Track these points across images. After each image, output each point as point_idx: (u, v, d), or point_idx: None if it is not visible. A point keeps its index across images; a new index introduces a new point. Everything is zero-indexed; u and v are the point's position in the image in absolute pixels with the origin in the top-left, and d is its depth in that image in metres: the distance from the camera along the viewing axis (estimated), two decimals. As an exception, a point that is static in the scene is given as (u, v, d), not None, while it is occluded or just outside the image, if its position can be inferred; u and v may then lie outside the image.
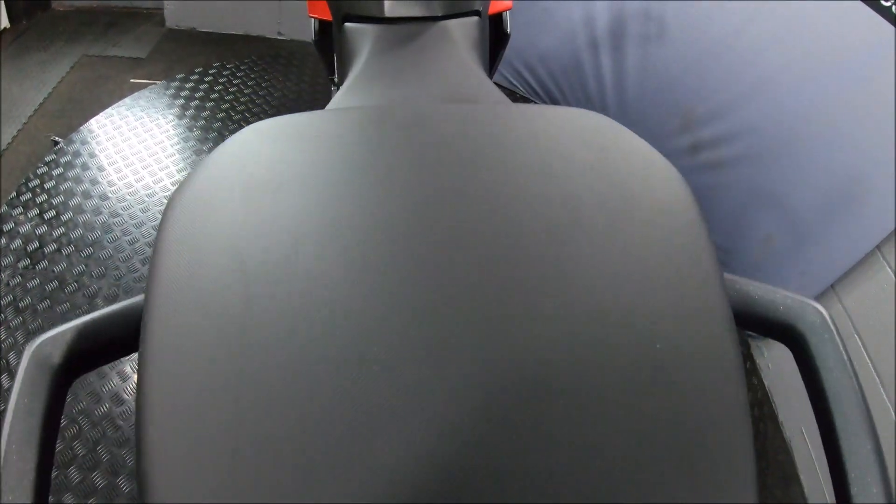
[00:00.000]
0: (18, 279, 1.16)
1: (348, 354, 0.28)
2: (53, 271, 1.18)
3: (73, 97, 1.72)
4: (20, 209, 1.28)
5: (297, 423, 0.26)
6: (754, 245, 1.48)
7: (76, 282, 1.17)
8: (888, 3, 1.15)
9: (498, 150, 0.40)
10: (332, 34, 0.89)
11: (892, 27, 1.15)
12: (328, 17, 0.88)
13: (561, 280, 0.32)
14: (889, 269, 1.12)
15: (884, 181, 1.17)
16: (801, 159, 1.34)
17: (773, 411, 1.30)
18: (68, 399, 0.36)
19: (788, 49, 1.32)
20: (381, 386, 0.27)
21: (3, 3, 1.98)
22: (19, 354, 1.01)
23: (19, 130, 1.58)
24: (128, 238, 1.24)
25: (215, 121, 1.62)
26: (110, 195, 1.33)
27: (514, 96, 1.93)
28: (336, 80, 0.97)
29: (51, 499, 0.96)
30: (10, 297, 1.13)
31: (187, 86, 1.75)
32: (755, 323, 0.37)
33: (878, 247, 1.16)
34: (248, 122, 1.68)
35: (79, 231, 1.25)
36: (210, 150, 1.54)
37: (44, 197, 1.32)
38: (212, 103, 1.69)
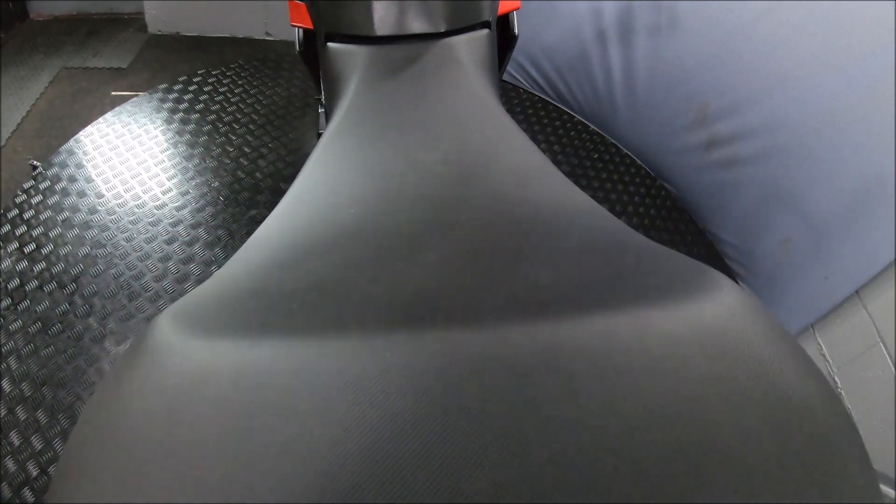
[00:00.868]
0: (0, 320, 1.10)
1: None
2: (36, 311, 1.11)
3: (52, 115, 1.64)
4: (-1, 243, 1.21)
5: None
6: (772, 247, 1.41)
7: (60, 322, 1.10)
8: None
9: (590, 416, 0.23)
10: (317, 50, 0.78)
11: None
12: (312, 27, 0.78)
13: None
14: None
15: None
16: (823, 158, 1.24)
17: None
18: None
19: (810, 41, 1.22)
20: None
21: (-25, 17, 1.88)
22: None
23: (-3, 154, 1.50)
24: (112, 271, 1.17)
25: (201, 134, 1.53)
26: (92, 224, 1.25)
27: (518, 92, 1.82)
28: (322, 101, 0.88)
29: (33, 499, 0.91)
30: (-10, 341, 1.07)
31: (170, 97, 1.66)
32: None
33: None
34: (236, 133, 1.60)
35: (61, 265, 1.18)
36: (196, 167, 1.46)
37: (23, 229, 1.25)
38: (196, 114, 1.60)
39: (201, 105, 1.64)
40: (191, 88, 1.71)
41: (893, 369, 1.07)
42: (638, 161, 1.74)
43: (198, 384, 0.22)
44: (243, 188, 1.37)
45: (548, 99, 1.84)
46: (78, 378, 1.03)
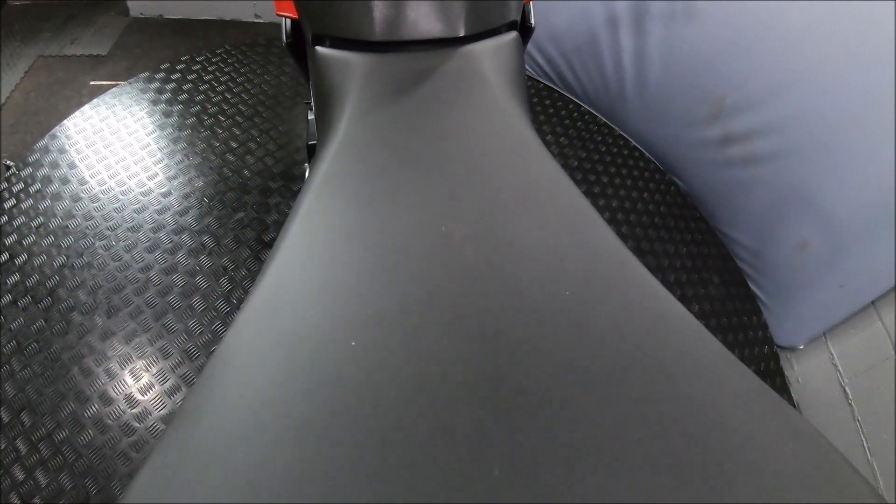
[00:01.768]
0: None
1: None
2: (10, 329, 1.05)
3: (27, 109, 1.54)
4: (-31, 251, 1.14)
5: None
6: (787, 250, 1.35)
7: (36, 342, 1.03)
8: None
9: None
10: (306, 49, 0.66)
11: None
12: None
13: None
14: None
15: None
16: (844, 160, 1.17)
17: None
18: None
19: (836, 35, 1.13)
20: None
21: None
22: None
23: (-31, 152, 1.41)
24: (89, 286, 1.09)
25: (184, 127, 1.44)
26: (69, 230, 1.18)
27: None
28: (312, 106, 0.77)
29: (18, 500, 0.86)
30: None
31: (151, 86, 1.56)
32: None
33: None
34: (222, 126, 1.50)
35: (35, 277, 1.11)
36: (179, 164, 1.36)
37: (-6, 235, 1.17)
38: (180, 105, 1.51)
39: (184, 95, 1.55)
40: (173, 77, 1.61)
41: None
42: (647, 154, 1.66)
43: None
44: (229, 188, 1.29)
45: (553, 86, 1.74)
46: (57, 403, 0.97)
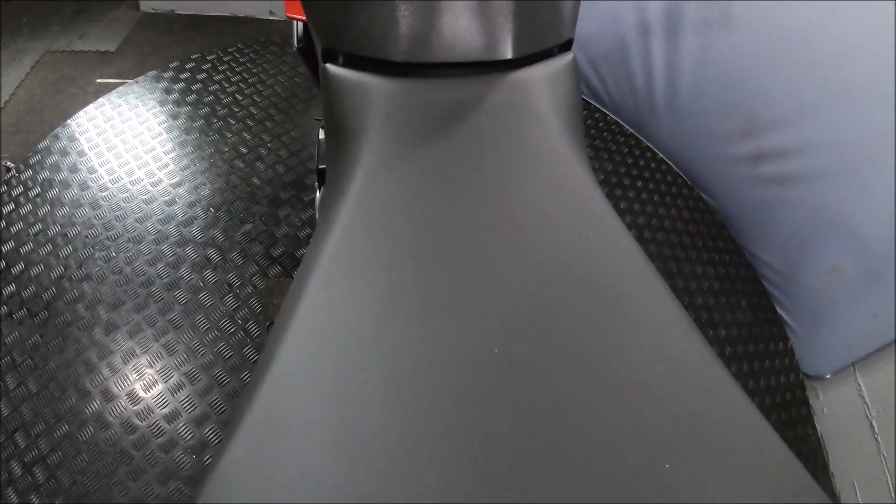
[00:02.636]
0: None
1: None
2: (5, 344, 0.99)
3: (31, 106, 1.49)
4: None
5: None
6: (818, 274, 1.28)
7: (31, 357, 0.98)
8: None
9: None
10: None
11: None
12: None
13: None
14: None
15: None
16: (882, 184, 1.11)
17: (825, 461, 1.17)
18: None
19: (877, 54, 1.07)
20: None
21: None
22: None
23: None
24: (88, 298, 1.04)
25: (192, 130, 1.38)
26: (68, 238, 1.12)
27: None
28: (323, 124, 0.69)
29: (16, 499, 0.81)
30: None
31: (159, 85, 1.50)
32: None
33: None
34: (231, 129, 1.43)
35: (32, 289, 1.05)
36: (185, 170, 1.29)
37: (-9, 241, 1.12)
38: (188, 107, 1.45)
39: (193, 96, 1.49)
40: (182, 76, 1.55)
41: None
42: (675, 168, 1.58)
43: None
44: (237, 197, 1.23)
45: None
46: (53, 425, 0.91)
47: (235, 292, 1.06)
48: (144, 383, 0.96)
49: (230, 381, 0.97)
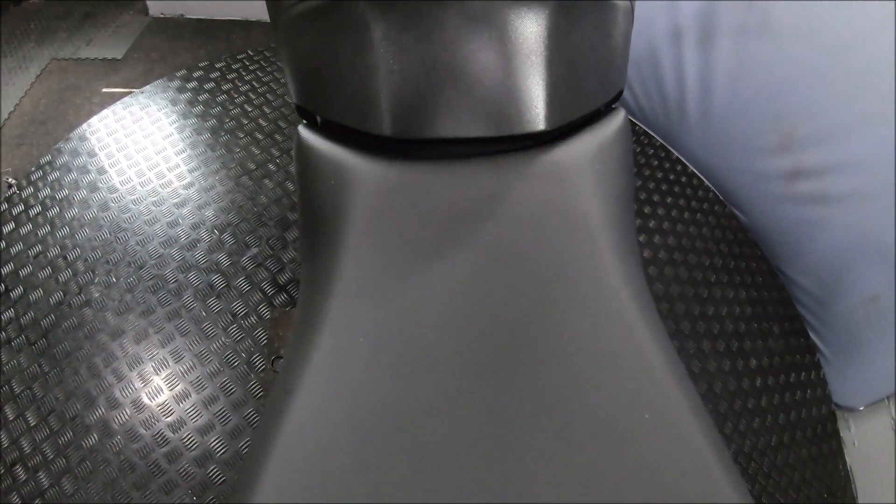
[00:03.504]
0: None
1: None
2: (2, 372, 0.95)
3: (35, 118, 1.45)
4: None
5: None
6: (855, 302, 1.21)
7: (29, 389, 0.94)
8: None
9: None
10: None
11: None
12: None
13: None
14: None
15: None
16: None
17: (854, 497, 1.11)
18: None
19: None
20: None
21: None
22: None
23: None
24: (87, 327, 0.99)
25: (197, 144, 1.33)
26: (69, 261, 1.08)
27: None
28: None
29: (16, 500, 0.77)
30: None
31: (166, 95, 1.45)
32: None
33: None
34: (239, 143, 1.37)
35: (31, 315, 1.01)
36: (188, 188, 1.23)
37: (-9, 264, 1.08)
38: (194, 119, 1.39)
39: (199, 107, 1.44)
40: (189, 86, 1.50)
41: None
42: (706, 182, 1.48)
43: None
44: (243, 218, 1.17)
45: (600, 103, 1.57)
46: (51, 459, 0.87)
47: (239, 323, 1.01)
48: (144, 418, 0.92)
49: (232, 420, 0.92)
